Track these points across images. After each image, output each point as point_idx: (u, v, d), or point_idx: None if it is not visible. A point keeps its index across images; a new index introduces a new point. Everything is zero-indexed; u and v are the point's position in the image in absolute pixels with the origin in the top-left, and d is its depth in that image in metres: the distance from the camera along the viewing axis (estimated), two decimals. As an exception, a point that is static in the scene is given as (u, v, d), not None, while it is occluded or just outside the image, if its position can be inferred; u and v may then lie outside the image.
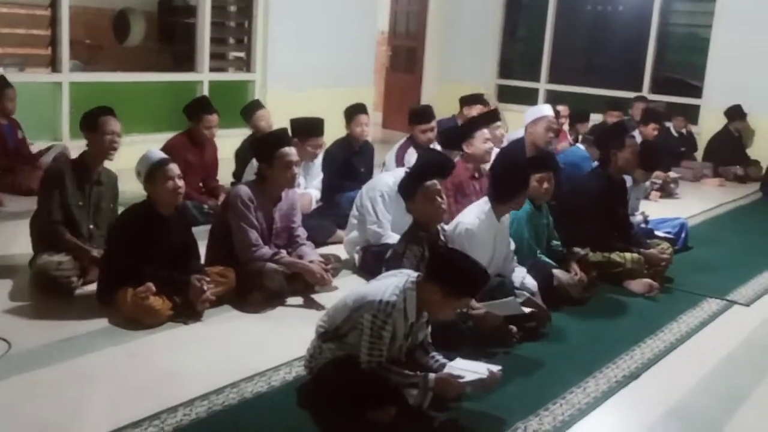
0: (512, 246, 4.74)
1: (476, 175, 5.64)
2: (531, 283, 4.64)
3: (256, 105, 7.08)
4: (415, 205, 4.08)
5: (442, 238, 4.19)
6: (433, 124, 6.67)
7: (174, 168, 4.36)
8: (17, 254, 4.90)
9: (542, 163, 5.07)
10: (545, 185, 4.98)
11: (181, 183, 4.37)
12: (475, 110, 8.25)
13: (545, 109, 6.46)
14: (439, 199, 4.06)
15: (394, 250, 4.07)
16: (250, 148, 5.04)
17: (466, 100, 8.31)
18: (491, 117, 6.81)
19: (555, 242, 5.20)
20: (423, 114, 6.74)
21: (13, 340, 3.84)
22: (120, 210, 4.84)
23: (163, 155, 4.44)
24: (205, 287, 4.29)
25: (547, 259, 5.02)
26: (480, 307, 4.12)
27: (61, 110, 7.91)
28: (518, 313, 4.25)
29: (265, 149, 4.74)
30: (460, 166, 5.51)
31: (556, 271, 4.93)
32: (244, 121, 7.10)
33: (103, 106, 4.89)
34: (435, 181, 4.07)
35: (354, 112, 6.66)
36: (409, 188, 4.09)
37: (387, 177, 5.47)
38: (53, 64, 7.98)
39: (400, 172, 5.35)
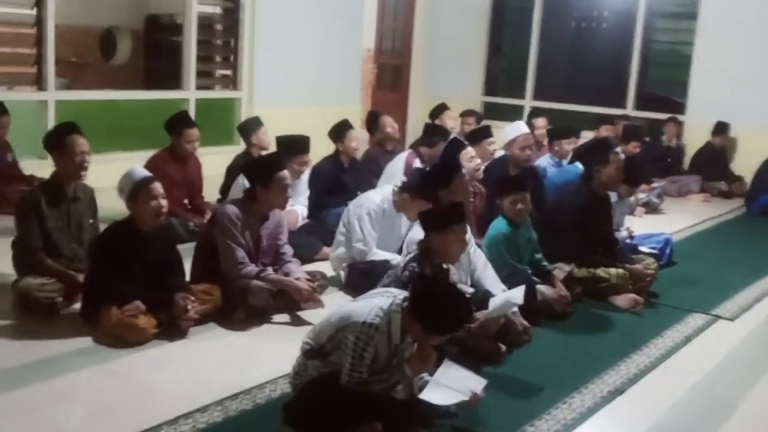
0: (483, 259, 4.72)
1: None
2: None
3: (258, 122, 7.09)
4: (441, 240, 3.99)
5: (444, 266, 4.13)
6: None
7: (158, 187, 4.33)
8: (3, 272, 4.85)
9: (514, 185, 5.11)
10: (519, 206, 5.01)
11: (164, 202, 4.34)
12: (448, 117, 8.37)
13: (520, 127, 6.49)
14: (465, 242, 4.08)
15: (396, 276, 4.01)
16: (245, 169, 5.03)
17: (434, 113, 8.56)
18: (484, 133, 6.90)
19: (538, 256, 5.20)
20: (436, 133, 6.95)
21: (-4, 359, 3.83)
22: (101, 226, 4.80)
23: (147, 173, 4.40)
24: (189, 306, 4.27)
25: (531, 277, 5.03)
26: (479, 317, 4.13)
27: (47, 128, 7.87)
28: (518, 305, 4.24)
29: (263, 171, 4.73)
30: None
31: (541, 287, 4.94)
32: (242, 136, 7.10)
33: (67, 123, 4.79)
34: (466, 224, 4.08)
35: (343, 128, 6.71)
36: (440, 224, 4.02)
37: (374, 195, 5.48)
38: (39, 82, 7.97)
39: (388, 189, 5.38)
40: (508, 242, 5.00)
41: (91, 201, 4.87)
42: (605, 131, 8.99)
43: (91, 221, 4.85)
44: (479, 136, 6.88)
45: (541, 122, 8.49)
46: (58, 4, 7.91)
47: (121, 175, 4.39)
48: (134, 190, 4.28)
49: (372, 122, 7.77)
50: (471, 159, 5.71)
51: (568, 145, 7.49)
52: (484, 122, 8.93)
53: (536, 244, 5.23)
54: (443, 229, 3.98)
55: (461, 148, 5.83)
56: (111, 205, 5.06)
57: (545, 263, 5.19)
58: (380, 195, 5.39)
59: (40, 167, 7.21)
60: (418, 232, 4.71)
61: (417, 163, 6.55)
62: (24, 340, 4.15)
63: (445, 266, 4.08)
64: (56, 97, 8.00)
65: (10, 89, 8.56)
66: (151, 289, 4.24)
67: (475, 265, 4.64)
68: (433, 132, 7.12)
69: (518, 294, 4.23)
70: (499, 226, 5.06)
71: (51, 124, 7.88)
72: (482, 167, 6.59)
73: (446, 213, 4.07)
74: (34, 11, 7.86)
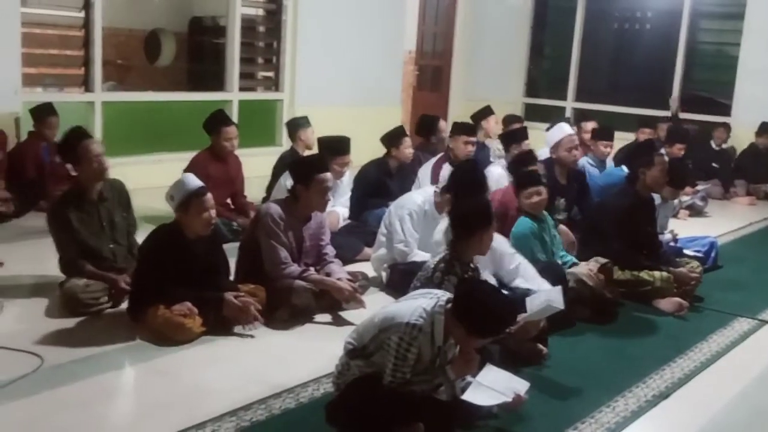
0: (509, 251, 4.70)
1: None
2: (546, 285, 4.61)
3: (307, 121, 7.17)
4: (473, 243, 4.01)
5: (472, 265, 4.15)
6: (475, 138, 6.83)
7: (210, 199, 4.34)
8: (53, 271, 4.93)
9: (529, 179, 5.11)
10: (535, 198, 5.01)
11: (214, 213, 4.38)
12: (492, 121, 8.33)
13: (563, 128, 6.45)
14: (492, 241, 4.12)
15: (427, 278, 4.01)
16: (290, 166, 5.07)
17: (478, 116, 8.42)
18: (522, 134, 6.89)
19: (561, 253, 5.19)
20: (468, 127, 6.94)
21: (46, 356, 3.90)
22: (146, 226, 4.85)
23: (199, 183, 4.38)
24: (252, 308, 4.30)
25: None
26: (518, 320, 4.12)
27: (94, 129, 8.01)
28: (559, 309, 4.19)
29: (305, 171, 4.77)
30: (510, 192, 5.50)
31: (573, 269, 4.91)
32: (289, 133, 7.19)
33: (75, 130, 4.78)
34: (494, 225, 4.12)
35: (399, 135, 6.73)
36: (470, 228, 4.01)
37: (416, 196, 5.49)
38: (86, 84, 8.11)
39: (429, 191, 5.38)
40: (534, 238, 4.99)
41: (121, 195, 4.88)
42: (642, 135, 8.88)
43: (124, 215, 4.87)
44: (517, 137, 6.90)
45: (590, 126, 8.35)
46: (105, 7, 8.05)
47: (166, 176, 4.41)
48: (186, 201, 4.28)
49: (423, 127, 7.79)
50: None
51: (605, 148, 7.49)
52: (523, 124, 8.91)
53: (559, 243, 5.24)
54: (486, 228, 3.99)
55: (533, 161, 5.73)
56: (155, 206, 5.12)
57: (569, 258, 5.20)
58: (422, 196, 5.40)
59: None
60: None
61: (446, 168, 6.48)
62: (72, 338, 4.23)
63: (472, 265, 4.09)
64: (103, 99, 8.14)
65: (60, 90, 8.74)
66: (198, 290, 4.28)
67: (502, 255, 4.62)
68: (457, 125, 7.03)
69: (558, 297, 4.19)
70: (523, 223, 5.03)
71: (98, 124, 8.04)
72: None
73: (482, 212, 4.05)
74: (82, 14, 8.01)
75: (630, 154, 6.06)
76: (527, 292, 4.43)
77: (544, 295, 4.26)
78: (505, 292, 4.31)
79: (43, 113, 7.09)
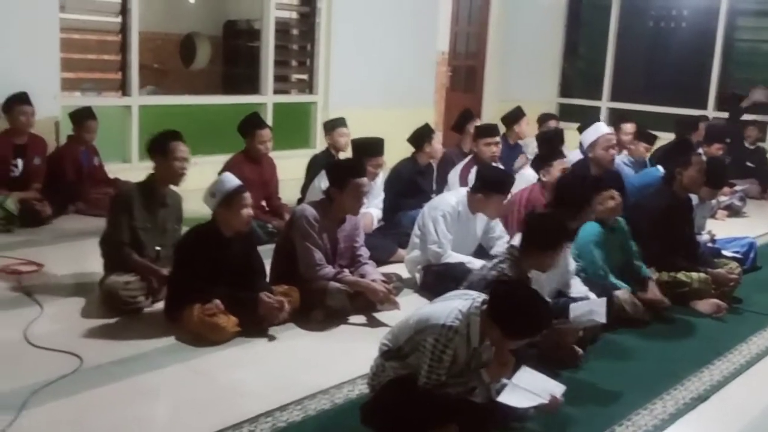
0: (572, 266, 4.67)
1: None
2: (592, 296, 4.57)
3: (341, 121, 7.22)
4: (537, 259, 3.98)
5: (529, 275, 4.10)
6: (498, 138, 6.79)
7: (248, 196, 4.46)
8: (90, 272, 5.03)
9: (599, 184, 5.01)
10: (610, 203, 4.92)
11: (251, 211, 4.49)
12: (523, 123, 8.25)
13: (600, 128, 6.41)
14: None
15: (482, 276, 4.02)
16: (326, 169, 5.10)
17: (509, 119, 8.29)
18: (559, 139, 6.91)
19: (637, 263, 5.11)
20: (489, 128, 6.93)
21: (85, 356, 3.95)
22: (183, 229, 4.95)
23: (238, 182, 4.50)
24: (285, 306, 4.36)
25: (620, 282, 4.92)
26: (555, 324, 4.09)
27: (131, 133, 8.12)
28: (600, 323, 4.20)
29: (341, 174, 4.79)
30: (537, 191, 5.50)
31: (618, 292, 4.84)
32: (325, 133, 7.24)
33: (172, 130, 4.94)
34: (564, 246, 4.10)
35: (428, 132, 6.76)
36: (538, 245, 3.97)
37: (449, 197, 5.48)
38: (123, 88, 8.21)
39: (462, 192, 5.38)
40: (597, 246, 4.89)
41: (177, 208, 5.03)
42: (698, 136, 8.74)
43: (175, 227, 4.99)
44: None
45: (629, 128, 8.15)
46: (141, 12, 8.14)
47: (201, 179, 4.48)
48: (228, 198, 4.38)
49: (461, 118, 7.82)
50: (562, 170, 5.51)
51: (646, 151, 7.52)
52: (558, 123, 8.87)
53: (631, 253, 5.12)
54: (553, 251, 3.96)
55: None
56: (192, 208, 5.20)
57: (644, 270, 5.10)
58: (455, 197, 5.39)
59: (123, 171, 7.47)
60: None
61: (473, 173, 6.44)
62: (111, 338, 4.28)
63: (529, 275, 4.05)
64: (140, 103, 8.22)
65: (98, 95, 8.86)
66: (233, 290, 4.33)
67: (567, 267, 4.59)
68: (480, 129, 7.01)
69: (601, 310, 4.19)
70: (589, 229, 4.91)
71: (135, 128, 8.13)
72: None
73: (555, 234, 4.00)
74: (119, 19, 8.11)
75: (666, 154, 5.99)
76: (568, 300, 4.42)
77: (587, 305, 4.26)
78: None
79: (81, 117, 7.21)
